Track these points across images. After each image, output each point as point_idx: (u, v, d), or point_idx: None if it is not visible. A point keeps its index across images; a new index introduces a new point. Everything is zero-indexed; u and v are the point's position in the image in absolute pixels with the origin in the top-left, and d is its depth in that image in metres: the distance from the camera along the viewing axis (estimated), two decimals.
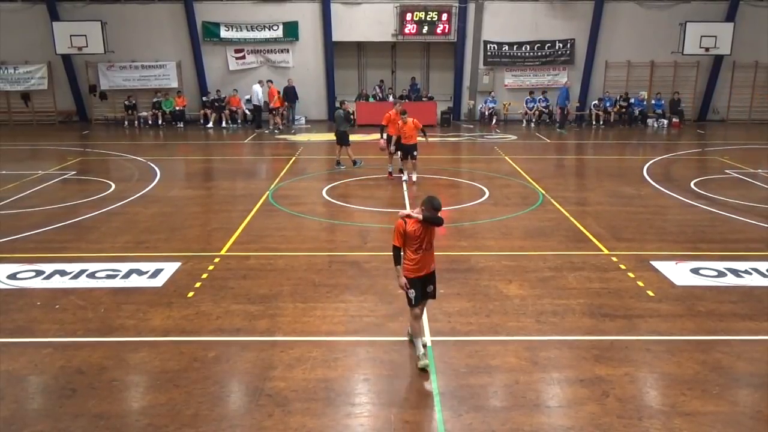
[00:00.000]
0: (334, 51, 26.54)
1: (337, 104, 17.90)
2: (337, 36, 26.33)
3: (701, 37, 25.17)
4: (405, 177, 15.27)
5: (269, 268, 9.54)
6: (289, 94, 25.45)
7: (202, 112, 26.61)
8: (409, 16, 26.05)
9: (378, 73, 27.70)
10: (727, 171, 16.88)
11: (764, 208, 12.94)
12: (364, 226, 11.84)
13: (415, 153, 14.94)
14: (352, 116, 17.07)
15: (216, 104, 26.28)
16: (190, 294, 8.48)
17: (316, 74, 26.78)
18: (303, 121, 26.70)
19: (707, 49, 25.38)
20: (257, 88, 25.02)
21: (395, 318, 7.81)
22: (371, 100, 26.30)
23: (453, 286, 8.89)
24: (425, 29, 26.27)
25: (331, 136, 23.13)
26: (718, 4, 25.89)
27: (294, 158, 18.88)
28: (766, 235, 11.28)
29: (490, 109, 26.56)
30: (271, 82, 24.78)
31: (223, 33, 26.32)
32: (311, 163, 18.50)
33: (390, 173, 15.83)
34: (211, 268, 9.46)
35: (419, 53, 27.85)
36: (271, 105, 24.53)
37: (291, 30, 26.36)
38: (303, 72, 26.53)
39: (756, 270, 9.41)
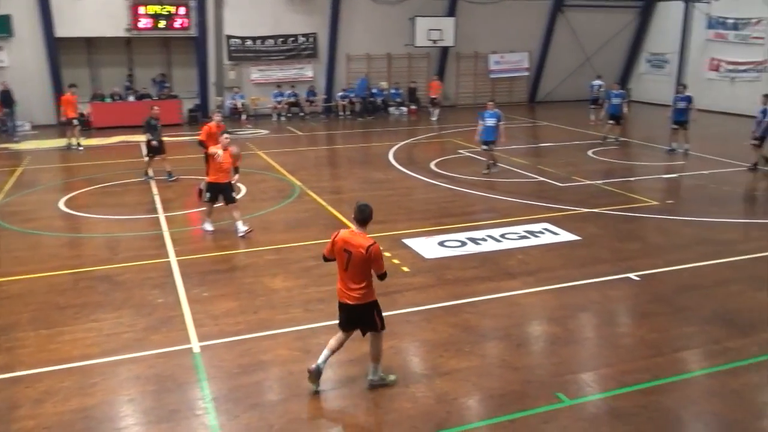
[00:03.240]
0: (58, 48, 23.90)
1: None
2: (61, 32, 23.66)
3: (429, 30, 27.50)
4: (208, 226, 11.01)
5: (2, 296, 8.35)
6: (6, 98, 22.35)
7: None
8: (142, 10, 24.42)
9: (114, 71, 25.52)
10: (460, 151, 18.74)
11: (492, 182, 14.63)
12: (113, 236, 10.93)
13: (233, 194, 10.95)
14: (154, 122, 14.79)
15: None
16: None
17: (39, 74, 23.78)
18: (27, 127, 23.62)
19: (435, 42, 27.84)
20: None
21: (157, 330, 7.35)
22: (107, 100, 24.28)
23: (217, 288, 8.64)
24: (162, 23, 24.89)
25: (63, 143, 21.06)
26: (442, 1, 28.48)
27: (21, 169, 16.67)
28: (495, 205, 12.79)
29: (240, 106, 25.98)
30: (75, 86, 20.22)
31: None
32: (42, 174, 16.50)
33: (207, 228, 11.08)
34: None
35: (159, 49, 26.35)
36: (67, 116, 19.34)
37: (2, 25, 23.15)
38: (21, 72, 23.39)
39: (490, 237, 10.63)
